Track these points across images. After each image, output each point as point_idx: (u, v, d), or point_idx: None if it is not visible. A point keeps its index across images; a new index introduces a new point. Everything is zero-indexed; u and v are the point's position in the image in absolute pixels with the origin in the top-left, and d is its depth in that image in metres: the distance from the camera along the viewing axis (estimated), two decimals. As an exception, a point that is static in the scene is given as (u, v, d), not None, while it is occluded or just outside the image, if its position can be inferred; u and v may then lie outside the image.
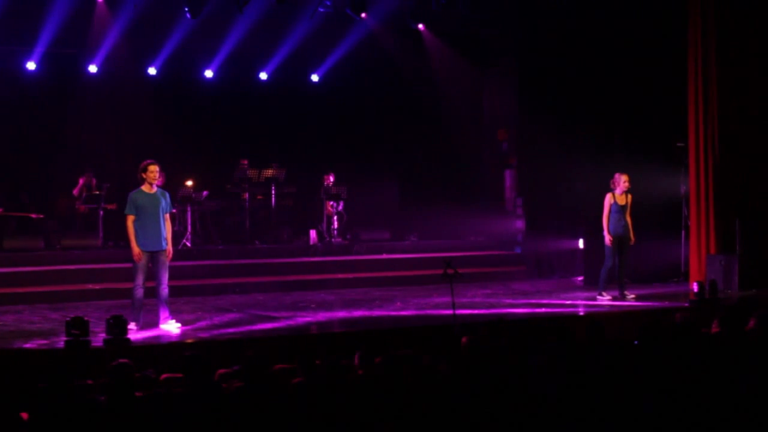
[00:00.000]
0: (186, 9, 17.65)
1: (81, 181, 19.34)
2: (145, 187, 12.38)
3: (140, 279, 12.29)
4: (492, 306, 14.58)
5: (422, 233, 21.22)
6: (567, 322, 13.16)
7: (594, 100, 18.20)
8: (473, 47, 21.85)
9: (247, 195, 20.00)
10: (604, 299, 15.11)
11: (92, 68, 20.24)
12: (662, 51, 17.49)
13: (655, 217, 17.29)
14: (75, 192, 19.37)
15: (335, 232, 20.22)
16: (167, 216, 12.52)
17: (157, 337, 11.84)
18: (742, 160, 16.78)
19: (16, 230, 19.09)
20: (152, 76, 20.80)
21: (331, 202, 20.23)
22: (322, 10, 19.34)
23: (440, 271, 12.04)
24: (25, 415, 6.82)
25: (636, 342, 9.18)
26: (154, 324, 12.37)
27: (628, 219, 15.21)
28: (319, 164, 21.09)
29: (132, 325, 11.78)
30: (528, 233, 19.94)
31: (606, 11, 17.83)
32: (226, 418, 7.02)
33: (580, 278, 17.99)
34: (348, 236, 20.34)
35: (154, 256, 12.36)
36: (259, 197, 20.44)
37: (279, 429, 7.04)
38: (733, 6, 16.65)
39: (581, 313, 14.13)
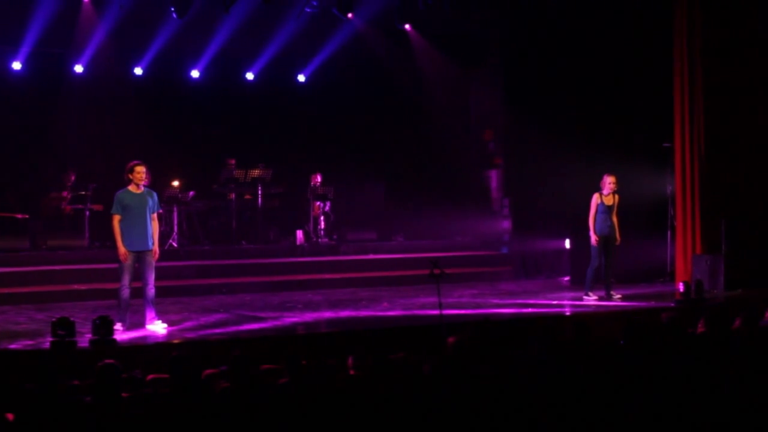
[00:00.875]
0: (172, 9, 17.62)
1: (73, 178, 19.25)
2: (131, 187, 12.35)
3: (126, 279, 12.27)
4: (478, 306, 14.59)
5: (409, 233, 21.24)
6: (553, 322, 13.20)
7: (581, 100, 18.23)
8: (459, 47, 21.87)
9: (233, 195, 19.97)
10: (591, 299, 15.14)
11: (78, 68, 20.19)
12: (648, 51, 17.54)
13: (642, 217, 17.34)
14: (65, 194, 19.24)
15: (322, 232, 20.22)
16: (155, 216, 12.50)
17: (144, 338, 11.82)
18: (728, 160, 16.82)
19: (1, 231, 19.02)
20: (138, 76, 20.75)
21: (318, 203, 20.22)
22: (308, 10, 19.32)
23: (427, 272, 12.01)
24: (10, 416, 6.80)
25: (622, 342, 9.20)
26: (141, 324, 12.34)
27: (615, 219, 15.25)
28: (306, 164, 21.08)
29: (118, 326, 11.74)
30: (514, 233, 19.96)
31: (593, 11, 17.86)
32: (212, 418, 7.01)
33: (567, 278, 18.01)
34: (335, 236, 20.33)
35: (140, 256, 12.34)
36: (245, 197, 20.41)
37: (266, 429, 7.04)
38: (719, 7, 16.69)
39: (567, 313, 14.15)
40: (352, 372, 8.25)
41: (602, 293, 15.27)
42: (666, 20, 16.88)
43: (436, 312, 12.15)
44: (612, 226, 15.21)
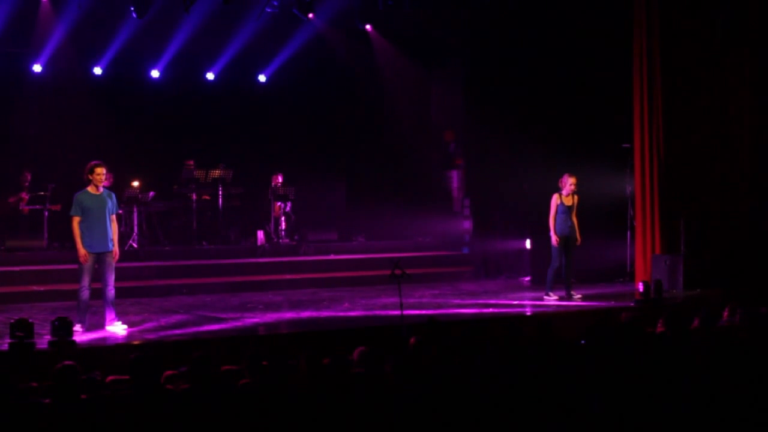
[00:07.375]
0: (132, 9, 17.53)
1: (29, 176, 19.07)
2: (91, 188, 12.26)
3: (86, 280, 12.18)
4: (440, 306, 14.60)
5: (369, 234, 21.26)
6: (514, 322, 13.21)
7: (540, 101, 18.28)
8: (420, 48, 21.91)
9: (194, 196, 19.90)
10: (551, 299, 15.19)
11: (37, 68, 20.01)
12: (608, 53, 17.60)
13: (601, 217, 17.42)
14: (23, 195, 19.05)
15: (283, 232, 20.20)
16: (113, 217, 12.42)
17: (103, 339, 11.74)
18: (686, 161, 16.94)
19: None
20: (98, 75, 20.59)
21: (279, 203, 20.20)
22: (269, 10, 19.26)
23: (388, 272, 12.04)
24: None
25: (582, 342, 9.24)
26: (100, 326, 12.27)
27: (575, 220, 15.32)
28: (267, 165, 21.04)
29: (77, 327, 11.68)
30: (475, 234, 20.02)
31: (553, 13, 17.92)
32: (172, 420, 6.98)
33: (527, 278, 18.09)
34: (296, 237, 20.32)
35: (100, 258, 12.26)
36: (206, 198, 20.34)
37: (226, 430, 7.01)
38: (678, 9, 16.80)
39: (528, 313, 14.17)
40: (307, 373, 8.21)
41: (563, 293, 15.34)
42: (625, 20, 16.96)
43: (397, 312, 12.16)
44: (572, 226, 15.28)
